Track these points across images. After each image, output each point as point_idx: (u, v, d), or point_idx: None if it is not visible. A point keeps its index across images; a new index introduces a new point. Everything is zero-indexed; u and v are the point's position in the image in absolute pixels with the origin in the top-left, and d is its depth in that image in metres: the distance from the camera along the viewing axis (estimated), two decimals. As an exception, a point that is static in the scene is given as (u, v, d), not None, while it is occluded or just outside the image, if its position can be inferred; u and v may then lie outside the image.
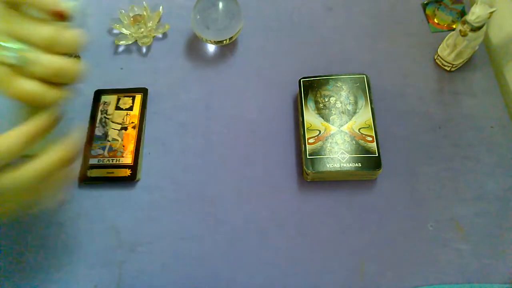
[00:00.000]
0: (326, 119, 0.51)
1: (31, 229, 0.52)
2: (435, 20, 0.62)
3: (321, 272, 0.48)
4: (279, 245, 0.49)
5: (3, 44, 0.31)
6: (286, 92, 0.58)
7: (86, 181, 0.53)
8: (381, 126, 0.53)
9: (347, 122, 0.51)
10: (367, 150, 0.49)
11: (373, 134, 0.50)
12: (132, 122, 0.56)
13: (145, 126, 0.56)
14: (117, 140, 0.54)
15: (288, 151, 0.54)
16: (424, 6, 0.63)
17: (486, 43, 0.61)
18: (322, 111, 0.52)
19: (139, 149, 0.54)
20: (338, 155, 0.49)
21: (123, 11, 0.62)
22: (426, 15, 0.62)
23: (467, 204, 0.50)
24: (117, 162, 0.53)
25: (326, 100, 0.52)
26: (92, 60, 0.62)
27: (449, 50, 0.55)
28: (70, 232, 0.51)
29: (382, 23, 0.62)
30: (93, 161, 0.53)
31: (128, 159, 0.53)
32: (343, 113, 0.51)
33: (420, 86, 0.57)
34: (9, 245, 0.51)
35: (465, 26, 0.51)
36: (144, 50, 0.63)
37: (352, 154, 0.49)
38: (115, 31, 0.64)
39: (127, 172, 0.53)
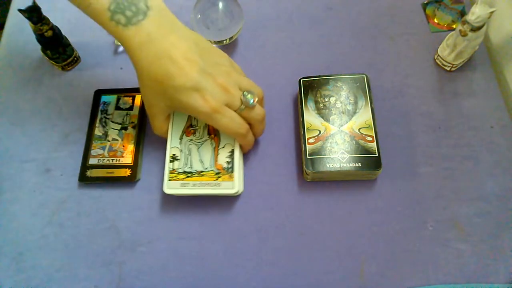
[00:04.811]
0: (326, 119, 0.51)
1: (31, 229, 0.52)
2: (435, 20, 0.62)
3: (321, 272, 0.48)
4: (279, 245, 0.49)
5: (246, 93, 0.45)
6: (286, 92, 0.58)
7: (86, 181, 0.53)
8: (381, 126, 0.53)
9: (347, 122, 0.51)
10: (367, 150, 0.49)
11: (373, 134, 0.50)
12: (132, 122, 0.56)
13: (145, 126, 0.56)
14: (117, 140, 0.54)
15: (288, 151, 0.54)
16: (424, 6, 0.63)
17: (486, 43, 0.61)
18: (322, 111, 0.52)
19: (139, 149, 0.54)
20: (338, 155, 0.49)
21: (123, 11, 0.62)
22: (426, 15, 0.62)
23: (467, 204, 0.50)
24: (117, 162, 0.53)
25: (326, 100, 0.52)
26: (92, 60, 0.62)
27: (449, 50, 0.55)
28: (70, 232, 0.51)
29: (382, 23, 0.62)
30: (93, 161, 0.53)
31: (128, 159, 0.53)
32: (343, 113, 0.51)
33: (420, 86, 0.57)
34: (9, 245, 0.51)
35: (465, 26, 0.51)
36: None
37: (352, 154, 0.49)
38: (115, 31, 0.64)
39: (127, 172, 0.53)
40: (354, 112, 0.51)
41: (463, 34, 0.51)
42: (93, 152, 0.54)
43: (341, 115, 0.51)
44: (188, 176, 0.49)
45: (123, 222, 0.51)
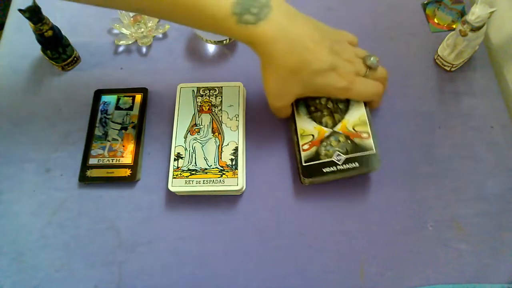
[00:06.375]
0: (319, 122, 0.50)
1: (31, 229, 0.52)
2: (435, 20, 0.62)
3: (321, 272, 0.48)
4: (279, 245, 0.49)
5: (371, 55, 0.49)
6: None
7: (86, 181, 0.53)
8: (381, 126, 0.53)
9: (340, 122, 0.50)
10: (363, 148, 0.48)
11: (369, 130, 0.49)
12: (132, 122, 0.56)
13: (145, 126, 0.57)
14: (117, 140, 0.55)
15: (288, 151, 0.54)
16: (424, 6, 0.63)
17: (486, 43, 0.61)
18: (314, 114, 0.51)
19: (139, 149, 0.54)
20: (334, 158, 0.48)
21: (123, 11, 0.62)
22: (426, 15, 0.62)
23: (467, 204, 0.50)
24: (117, 162, 0.53)
25: (317, 102, 0.51)
26: (92, 60, 0.63)
27: (449, 50, 0.55)
28: (70, 232, 0.51)
29: (382, 23, 0.62)
30: (93, 161, 0.53)
31: (128, 159, 0.53)
32: (335, 113, 0.50)
33: (420, 86, 0.57)
34: (9, 245, 0.51)
35: (465, 26, 0.51)
36: (144, 50, 0.63)
37: (348, 154, 0.48)
38: (115, 31, 0.64)
39: (127, 172, 0.53)
40: (347, 110, 0.50)
41: (463, 34, 0.51)
42: (93, 152, 0.54)
43: (334, 115, 0.50)
44: (192, 174, 0.49)
45: (123, 222, 0.51)
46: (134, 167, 0.53)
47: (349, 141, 0.48)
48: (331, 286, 0.47)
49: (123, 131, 0.55)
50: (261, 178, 0.53)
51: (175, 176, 0.50)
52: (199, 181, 0.49)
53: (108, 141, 0.55)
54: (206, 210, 0.51)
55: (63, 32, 0.59)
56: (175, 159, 0.51)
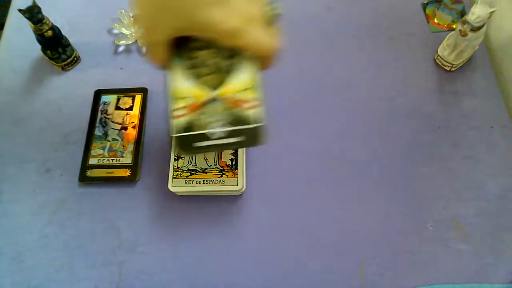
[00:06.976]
0: (198, 80, 0.38)
1: (31, 229, 0.52)
2: (435, 20, 0.62)
3: (321, 272, 0.48)
4: (279, 245, 0.49)
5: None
6: (286, 90, 0.58)
7: (86, 181, 0.53)
8: (380, 126, 0.53)
9: (223, 83, 0.38)
10: (249, 119, 0.37)
11: (258, 97, 0.37)
12: (132, 122, 0.56)
13: (145, 126, 0.57)
14: (117, 140, 0.54)
15: (288, 150, 0.54)
16: (424, 6, 0.63)
17: (486, 43, 0.61)
18: (192, 70, 0.38)
19: (139, 149, 0.54)
20: (212, 130, 0.37)
21: (123, 11, 0.62)
22: (426, 15, 0.62)
23: (467, 204, 0.50)
24: (117, 162, 0.53)
25: (198, 54, 0.38)
26: (92, 60, 0.62)
27: (449, 50, 0.55)
28: (70, 232, 0.51)
29: (382, 23, 0.62)
30: (93, 161, 0.53)
31: (128, 159, 0.53)
32: (218, 72, 0.38)
33: (420, 86, 0.57)
34: (9, 245, 0.51)
35: (465, 26, 0.51)
36: (144, 50, 0.63)
37: (229, 127, 0.37)
38: (115, 31, 0.64)
39: (127, 172, 0.53)
40: (232, 69, 0.38)
41: (463, 34, 0.51)
42: (93, 152, 0.54)
43: (216, 74, 0.38)
44: (192, 174, 0.49)
45: (123, 222, 0.51)
46: (134, 167, 0.53)
47: (232, 111, 0.37)
48: (331, 286, 0.47)
49: (123, 131, 0.55)
50: (261, 178, 0.53)
51: (175, 176, 0.50)
52: (199, 181, 0.49)
53: (108, 141, 0.55)
54: (206, 210, 0.51)
55: (63, 32, 0.59)
56: (175, 159, 0.51)
